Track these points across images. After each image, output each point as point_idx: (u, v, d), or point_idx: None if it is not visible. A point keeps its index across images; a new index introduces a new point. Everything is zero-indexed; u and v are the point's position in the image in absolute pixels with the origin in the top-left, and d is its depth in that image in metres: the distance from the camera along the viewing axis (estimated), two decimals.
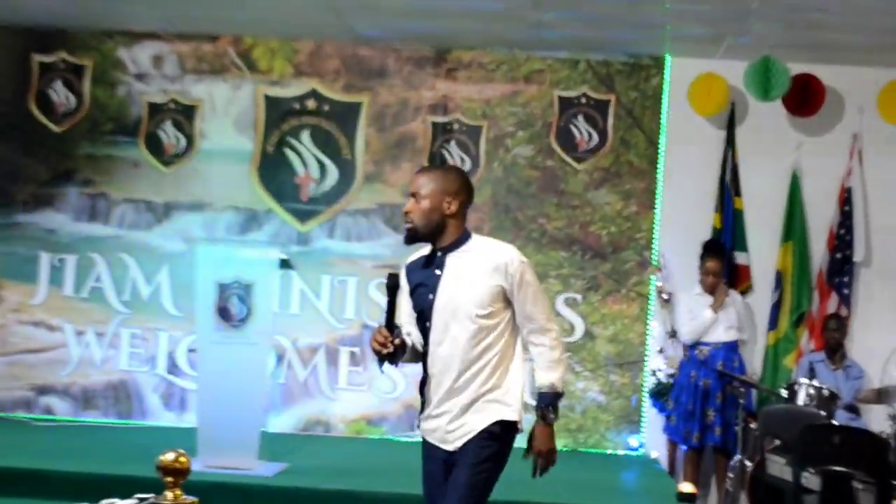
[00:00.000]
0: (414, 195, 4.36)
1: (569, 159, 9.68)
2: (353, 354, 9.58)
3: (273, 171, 9.77)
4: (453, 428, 4.32)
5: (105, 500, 3.23)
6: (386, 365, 4.29)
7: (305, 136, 9.80)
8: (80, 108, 9.97)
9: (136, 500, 3.18)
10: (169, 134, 9.89)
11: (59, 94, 9.99)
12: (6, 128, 9.93)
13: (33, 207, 9.87)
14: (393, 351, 4.23)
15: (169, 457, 3.15)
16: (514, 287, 4.29)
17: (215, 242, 9.44)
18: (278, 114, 9.83)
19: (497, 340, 4.31)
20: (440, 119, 9.78)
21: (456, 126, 9.77)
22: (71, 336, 9.74)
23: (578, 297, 9.51)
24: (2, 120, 9.92)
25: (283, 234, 9.69)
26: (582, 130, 9.69)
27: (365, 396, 9.52)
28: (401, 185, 9.68)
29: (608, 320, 9.50)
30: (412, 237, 4.38)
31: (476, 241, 4.39)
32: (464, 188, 4.39)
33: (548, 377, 4.35)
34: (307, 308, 9.60)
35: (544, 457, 4.40)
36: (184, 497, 3.14)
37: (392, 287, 4.32)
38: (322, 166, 9.77)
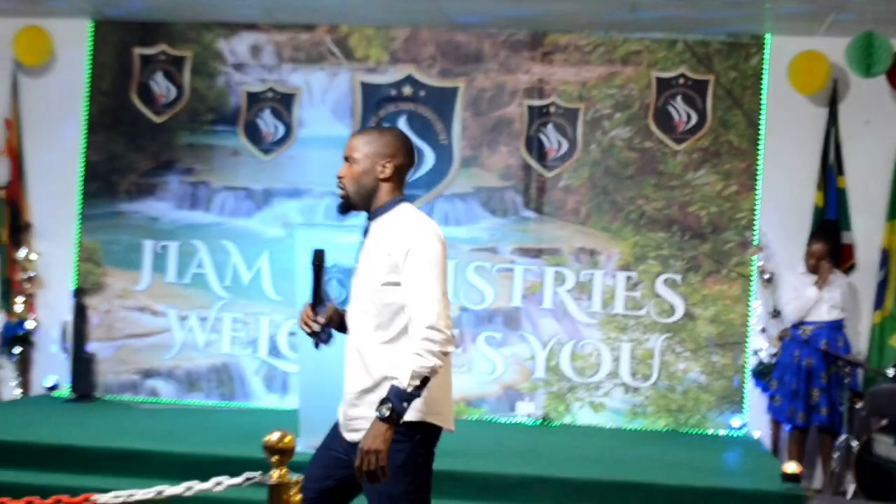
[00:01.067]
0: (347, 159, 4.06)
1: (667, 140, 9.60)
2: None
3: None
4: (351, 416, 3.98)
5: (214, 478, 3.31)
6: (325, 344, 4.12)
7: (402, 122, 9.84)
8: (180, 99, 10.13)
9: (243, 479, 3.26)
10: (267, 122, 10.01)
11: (160, 85, 10.16)
12: (109, 120, 10.13)
13: (136, 196, 10.06)
14: (321, 329, 4.06)
15: (274, 437, 3.22)
16: (403, 267, 3.84)
17: (314, 228, 9.53)
18: (375, 100, 9.89)
19: (391, 326, 3.88)
20: (536, 102, 9.76)
21: (552, 109, 9.74)
22: (174, 321, 9.92)
23: (678, 277, 9.44)
24: (105, 112, 10.13)
25: None
26: (680, 111, 9.60)
27: (464, 378, 9.56)
28: (498, 170, 9.69)
29: (709, 301, 9.42)
30: (345, 206, 4.09)
31: (402, 210, 3.99)
32: (401, 151, 4.05)
33: (400, 369, 3.73)
34: None
35: (363, 455, 3.65)
36: (289, 476, 3.21)
37: (317, 265, 4.13)
38: (419, 151, 9.81)
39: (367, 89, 9.91)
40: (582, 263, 9.58)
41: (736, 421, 9.25)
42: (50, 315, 10.08)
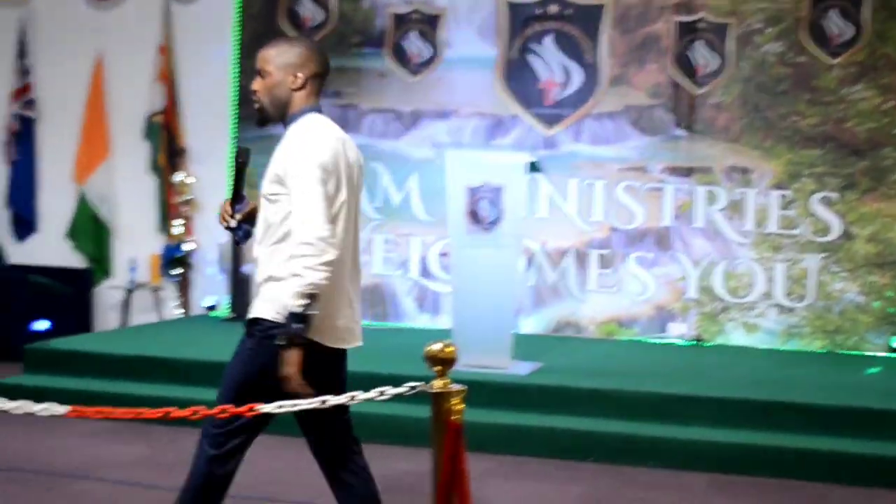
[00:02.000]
0: (260, 72, 4.04)
1: (821, 55, 9.32)
2: (602, 257, 9.58)
3: (517, 76, 9.78)
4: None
5: (376, 388, 3.37)
6: (241, 242, 4.23)
7: (548, 40, 9.75)
8: (327, 22, 10.19)
9: (407, 388, 3.31)
10: (414, 44, 10.02)
11: (307, 8, 10.24)
12: (259, 44, 10.19)
13: None
14: (237, 226, 4.16)
15: (436, 347, 3.25)
16: (286, 173, 3.84)
17: (462, 148, 9.55)
18: (521, 20, 9.81)
19: (279, 230, 3.88)
20: (685, 18, 9.55)
21: (702, 24, 9.53)
22: None
23: (834, 195, 9.21)
24: (255, 36, 10.23)
25: (528, 139, 9.71)
26: (834, 24, 9.31)
27: (615, 298, 9.53)
28: (646, 88, 9.55)
29: (867, 219, 9.17)
30: (262, 119, 4.07)
31: (307, 120, 3.97)
32: (312, 60, 4.03)
33: (285, 291, 3.74)
34: (555, 212, 9.64)
35: (288, 383, 3.72)
36: (451, 385, 3.25)
37: (239, 163, 4.20)
38: (566, 70, 9.72)
39: (513, 9, 9.83)
40: (734, 182, 9.41)
41: None
42: (207, 237, 10.33)
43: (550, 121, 9.70)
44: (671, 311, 9.50)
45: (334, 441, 4.07)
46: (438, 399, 3.20)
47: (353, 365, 7.37)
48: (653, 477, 6.36)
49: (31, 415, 6.47)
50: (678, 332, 9.43)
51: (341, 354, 4.09)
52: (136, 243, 10.38)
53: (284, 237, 3.86)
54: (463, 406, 3.21)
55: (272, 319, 3.83)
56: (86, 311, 10.37)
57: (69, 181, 10.57)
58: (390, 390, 3.32)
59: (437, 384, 3.20)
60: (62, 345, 8.17)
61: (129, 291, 10.34)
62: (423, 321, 9.85)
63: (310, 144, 3.85)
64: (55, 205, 10.66)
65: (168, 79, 10.37)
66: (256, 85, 4.04)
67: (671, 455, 6.59)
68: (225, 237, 10.01)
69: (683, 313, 9.47)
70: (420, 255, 9.90)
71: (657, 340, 9.43)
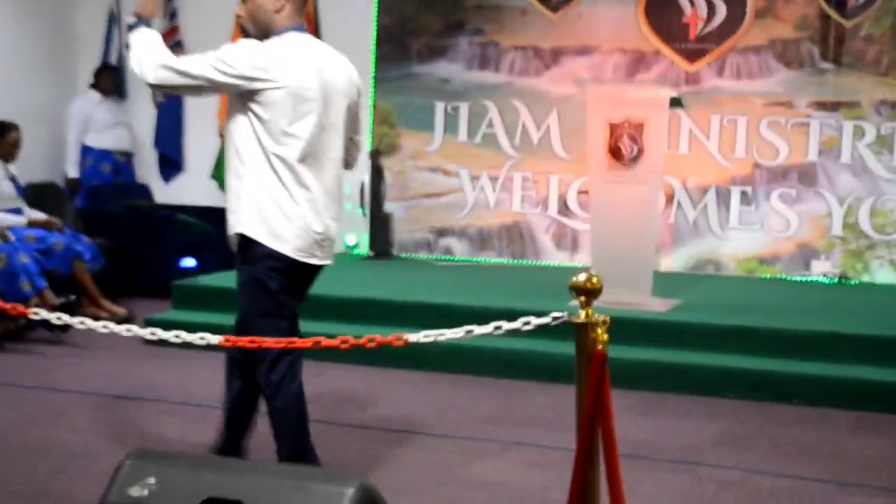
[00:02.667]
0: None
1: None
2: (744, 194, 9.44)
3: (660, 11, 9.63)
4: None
5: (521, 318, 3.39)
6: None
7: None
8: None
9: (551, 318, 3.33)
10: None
11: None
12: None
13: (428, 58, 10.22)
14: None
15: (581, 277, 3.26)
16: None
17: (603, 85, 9.46)
18: None
19: (239, 135, 4.17)
20: None
21: None
22: (466, 181, 10.12)
23: None
24: None
25: (670, 74, 9.58)
26: None
27: (757, 235, 9.39)
28: (793, 20, 9.33)
29: None
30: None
31: (284, 37, 4.20)
32: None
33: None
34: (696, 148, 9.51)
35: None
36: (596, 315, 3.25)
37: None
38: (710, 4, 9.53)
39: None
40: (883, 116, 9.16)
41: None
42: (348, 176, 10.40)
43: (693, 56, 9.55)
44: (815, 249, 9.32)
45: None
46: (583, 329, 3.20)
47: (492, 301, 7.46)
48: (796, 414, 6.28)
49: (178, 348, 6.69)
50: (822, 269, 9.26)
51: (310, 269, 4.30)
52: None
53: (238, 154, 4.17)
54: (606, 337, 3.21)
55: (259, 240, 4.14)
56: (229, 249, 10.57)
57: (213, 122, 10.75)
58: (535, 320, 3.33)
59: (582, 314, 3.20)
60: (208, 281, 8.38)
61: None
62: (561, 259, 9.84)
63: (239, 42, 4.13)
64: (200, 145, 10.88)
65: (310, 18, 10.46)
66: (240, 10, 4.28)
67: (815, 392, 6.49)
68: (365, 175, 10.14)
69: (827, 251, 9.29)
70: (559, 192, 9.88)
71: (800, 278, 9.28)
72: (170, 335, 3.52)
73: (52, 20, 10.85)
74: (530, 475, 5.02)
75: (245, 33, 4.25)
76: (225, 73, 4.05)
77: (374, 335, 3.61)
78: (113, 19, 10.83)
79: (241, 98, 4.12)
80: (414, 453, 5.33)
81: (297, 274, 4.27)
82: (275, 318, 4.23)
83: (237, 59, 4.05)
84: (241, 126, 4.15)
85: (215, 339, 3.52)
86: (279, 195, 4.13)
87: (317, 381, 6.85)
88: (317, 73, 4.15)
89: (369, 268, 9.63)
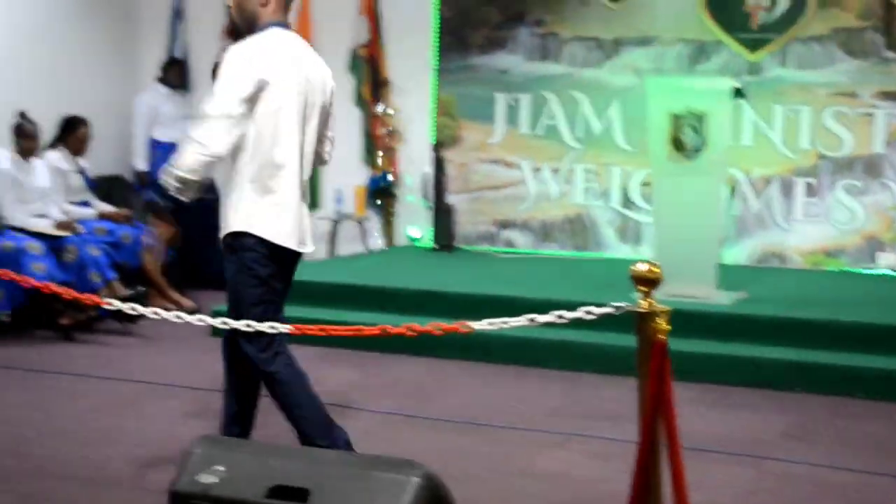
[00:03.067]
0: None
1: None
2: (808, 185, 9.36)
3: (722, 1, 9.57)
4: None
5: (582, 307, 3.41)
6: None
7: None
8: None
9: (613, 308, 3.35)
10: None
11: None
12: None
13: (487, 49, 10.23)
14: None
15: (642, 267, 3.28)
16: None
17: (664, 75, 9.42)
18: None
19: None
20: None
21: None
22: (528, 172, 10.13)
23: None
24: None
25: (732, 64, 9.50)
26: None
27: (822, 228, 9.32)
28: (856, 9, 9.23)
29: None
30: (235, 31, 4.42)
31: (267, 33, 4.28)
32: None
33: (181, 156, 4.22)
34: (759, 139, 9.45)
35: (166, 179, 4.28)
36: (657, 305, 3.26)
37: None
38: None
39: None
40: None
41: None
42: (410, 168, 10.50)
43: (755, 45, 9.48)
44: (881, 241, 9.23)
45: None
46: (644, 319, 3.22)
47: (555, 293, 7.47)
48: (864, 408, 6.24)
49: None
50: (888, 262, 9.16)
51: (291, 255, 4.40)
52: (341, 175, 10.59)
53: (234, 157, 4.25)
54: (668, 327, 3.22)
55: (247, 231, 4.25)
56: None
57: None
58: (596, 310, 3.35)
59: (644, 304, 3.21)
60: None
61: (336, 222, 10.60)
62: (623, 251, 9.81)
63: (237, 54, 4.18)
64: None
65: (372, 12, 10.53)
66: (229, 0, 4.38)
67: (882, 386, 6.44)
68: (427, 167, 10.19)
69: (894, 243, 9.19)
70: (621, 184, 9.86)
71: (866, 271, 9.19)
72: (241, 324, 3.59)
73: (117, 15, 10.98)
74: (593, 466, 5.04)
75: (233, 24, 4.37)
76: (238, 101, 4.18)
77: (439, 322, 3.65)
78: (176, 13, 10.95)
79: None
80: (478, 444, 5.37)
81: (283, 261, 4.39)
82: (267, 304, 4.32)
83: (236, 83, 4.18)
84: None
85: (285, 328, 3.59)
86: (264, 187, 4.26)
87: (382, 372, 6.93)
88: (298, 70, 4.32)
89: (432, 260, 9.68)
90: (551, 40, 10.03)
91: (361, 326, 3.74)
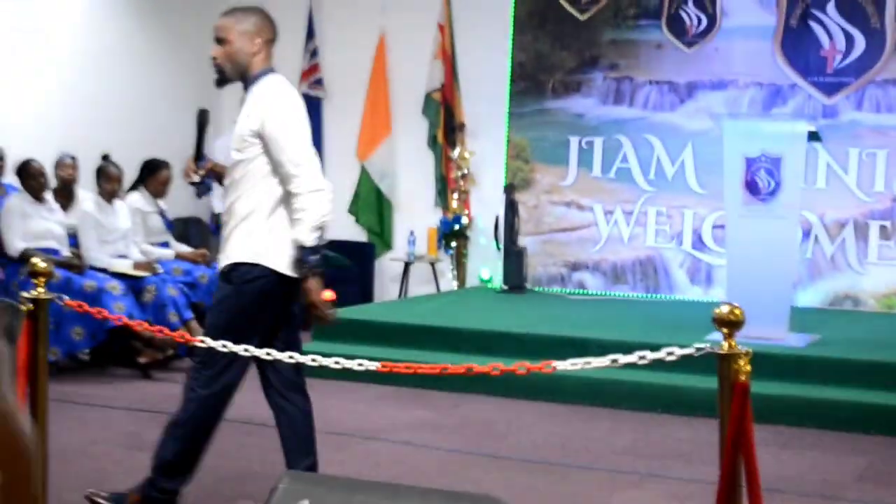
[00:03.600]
0: (219, 40, 4.46)
1: None
2: (883, 228, 9.31)
3: (797, 44, 9.59)
4: (221, 256, 4.50)
5: (665, 348, 3.45)
6: (203, 195, 5.06)
7: (831, 7, 9.51)
8: None
9: (694, 349, 3.38)
10: (690, 14, 9.96)
11: None
12: (535, 20, 10.41)
13: (562, 93, 10.33)
14: (200, 181, 4.78)
15: (724, 309, 3.31)
16: (263, 128, 4.28)
17: (739, 119, 9.44)
18: None
19: (249, 181, 4.34)
20: None
21: None
22: (600, 215, 10.17)
23: None
24: (531, 12, 10.41)
25: (807, 108, 9.52)
26: None
27: None
28: None
29: None
30: (221, 80, 4.49)
31: (268, 80, 4.42)
32: (266, 27, 4.48)
33: (294, 232, 4.28)
34: (834, 182, 9.43)
35: (315, 308, 4.33)
36: (738, 347, 3.29)
37: (200, 123, 4.82)
38: (849, 37, 9.46)
39: None
40: None
41: None
42: (483, 210, 10.59)
43: (831, 89, 9.48)
44: None
45: (279, 374, 4.56)
46: (726, 360, 3.25)
47: (627, 335, 7.49)
48: None
49: (317, 378, 6.85)
50: None
51: (296, 283, 4.41)
52: (414, 217, 10.73)
53: (252, 200, 4.34)
54: (749, 368, 3.25)
55: (249, 262, 4.32)
56: (368, 282, 10.81)
57: (352, 157, 11.02)
58: (678, 350, 3.39)
59: (725, 345, 3.25)
60: (348, 314, 8.55)
61: (408, 264, 10.70)
62: (695, 294, 9.81)
63: (275, 97, 4.35)
64: (339, 180, 11.07)
65: (447, 56, 10.67)
66: (216, 52, 4.47)
67: None
68: (499, 210, 10.26)
69: None
70: (693, 226, 9.86)
71: None
72: (329, 361, 3.68)
73: (197, 63, 11.21)
74: None
75: (220, 73, 4.48)
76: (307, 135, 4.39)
77: (523, 362, 3.70)
78: None
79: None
80: (553, 483, 5.39)
81: (289, 290, 4.44)
82: (238, 335, 4.33)
83: (300, 123, 4.37)
84: (253, 167, 4.38)
85: (373, 365, 3.68)
86: (272, 221, 4.36)
87: (454, 411, 6.98)
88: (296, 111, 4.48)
89: (503, 301, 9.73)
90: (626, 84, 10.10)
91: (447, 365, 3.81)
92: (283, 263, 4.34)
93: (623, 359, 3.40)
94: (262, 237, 4.34)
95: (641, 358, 3.40)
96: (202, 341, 4.20)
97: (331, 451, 5.95)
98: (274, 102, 4.34)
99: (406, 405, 7.04)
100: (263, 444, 5.77)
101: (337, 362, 3.73)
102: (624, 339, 7.31)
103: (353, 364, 3.72)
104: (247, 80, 4.46)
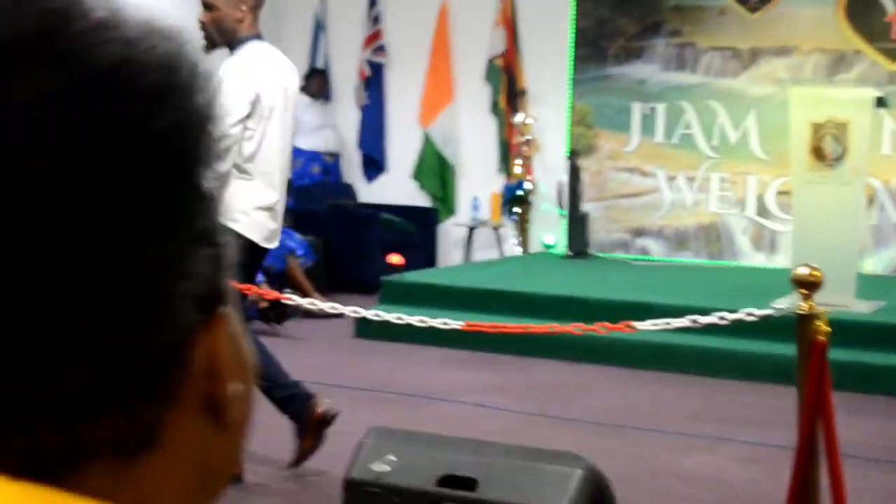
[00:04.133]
0: (206, 5, 4.54)
1: None
2: None
3: (861, 10, 9.53)
4: None
5: (743, 310, 3.52)
6: None
7: None
8: None
9: (774, 310, 3.45)
10: None
11: None
12: None
13: (624, 60, 10.33)
14: None
15: (803, 271, 3.37)
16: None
17: (802, 85, 9.40)
18: None
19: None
20: None
21: None
22: (663, 181, 10.19)
23: None
24: None
25: (871, 74, 9.45)
26: None
27: None
28: None
29: None
30: (209, 46, 4.51)
31: (250, 46, 4.53)
32: None
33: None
34: None
35: None
36: (817, 307, 3.36)
37: None
38: None
39: None
40: None
41: None
42: (546, 176, 10.63)
43: (895, 55, 9.42)
44: None
45: None
46: (804, 322, 3.31)
47: (692, 299, 7.53)
48: None
49: (386, 341, 6.98)
50: None
51: (263, 252, 4.64)
52: (477, 183, 10.80)
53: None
54: (828, 329, 3.31)
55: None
56: (431, 247, 10.90)
57: (415, 124, 11.10)
58: (757, 312, 3.45)
59: (804, 306, 3.31)
60: (414, 278, 8.66)
61: (472, 229, 10.78)
62: (758, 260, 9.82)
63: (247, 70, 4.44)
64: (402, 146, 11.22)
65: (508, 22, 10.69)
66: (204, 17, 4.55)
67: None
68: (562, 176, 10.31)
69: None
70: (756, 193, 9.86)
71: None
72: (414, 320, 3.77)
73: (263, 28, 11.33)
74: (740, 471, 5.12)
75: (207, 38, 4.54)
76: (235, 125, 4.40)
77: (604, 322, 3.78)
78: (319, 25, 11.24)
79: None
80: (622, 445, 5.48)
81: (254, 259, 4.61)
82: None
83: (232, 108, 4.35)
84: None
85: (458, 323, 3.77)
86: (251, 190, 4.49)
87: (523, 374, 7.08)
88: (279, 79, 4.60)
89: (567, 266, 9.78)
90: (688, 50, 10.09)
91: (529, 325, 3.89)
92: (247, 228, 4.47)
93: (703, 319, 3.47)
94: (242, 204, 4.45)
95: (722, 318, 3.47)
96: None
97: (401, 412, 6.08)
98: (232, 67, 4.44)
99: (475, 368, 7.14)
100: None
101: (422, 320, 3.82)
102: (690, 305, 7.35)
103: (437, 322, 3.81)
104: (232, 45, 4.59)
